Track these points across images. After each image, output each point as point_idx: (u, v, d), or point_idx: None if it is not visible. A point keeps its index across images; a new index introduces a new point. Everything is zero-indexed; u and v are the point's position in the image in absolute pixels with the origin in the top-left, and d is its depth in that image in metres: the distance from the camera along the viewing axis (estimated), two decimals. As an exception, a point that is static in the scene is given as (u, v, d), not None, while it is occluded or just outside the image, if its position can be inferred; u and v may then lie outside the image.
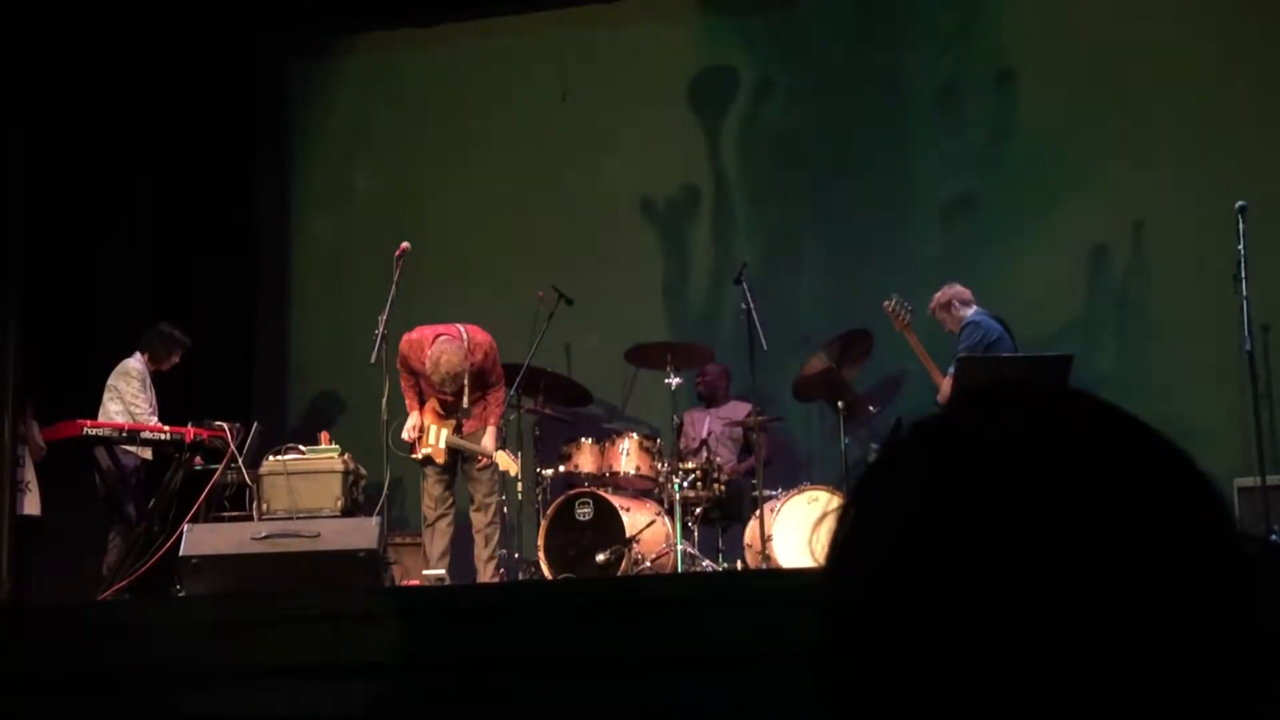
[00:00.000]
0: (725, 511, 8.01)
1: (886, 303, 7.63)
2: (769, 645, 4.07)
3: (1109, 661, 0.75)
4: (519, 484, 7.92)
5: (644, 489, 7.90)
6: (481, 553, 7.56)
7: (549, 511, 7.63)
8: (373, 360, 7.45)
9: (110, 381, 8.10)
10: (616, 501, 7.55)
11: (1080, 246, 8.60)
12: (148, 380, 8.17)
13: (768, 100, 9.38)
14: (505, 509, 7.84)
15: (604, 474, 7.79)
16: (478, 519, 7.60)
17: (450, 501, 7.64)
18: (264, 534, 6.90)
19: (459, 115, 9.75)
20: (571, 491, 7.70)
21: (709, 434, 8.22)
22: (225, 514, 7.71)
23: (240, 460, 7.71)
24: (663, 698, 4.31)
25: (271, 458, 7.64)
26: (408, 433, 7.61)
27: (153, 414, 8.07)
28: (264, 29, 9.87)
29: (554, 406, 8.28)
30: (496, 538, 7.62)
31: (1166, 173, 8.42)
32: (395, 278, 7.64)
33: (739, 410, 8.35)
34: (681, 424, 8.21)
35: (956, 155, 8.91)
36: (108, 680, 4.77)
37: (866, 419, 8.05)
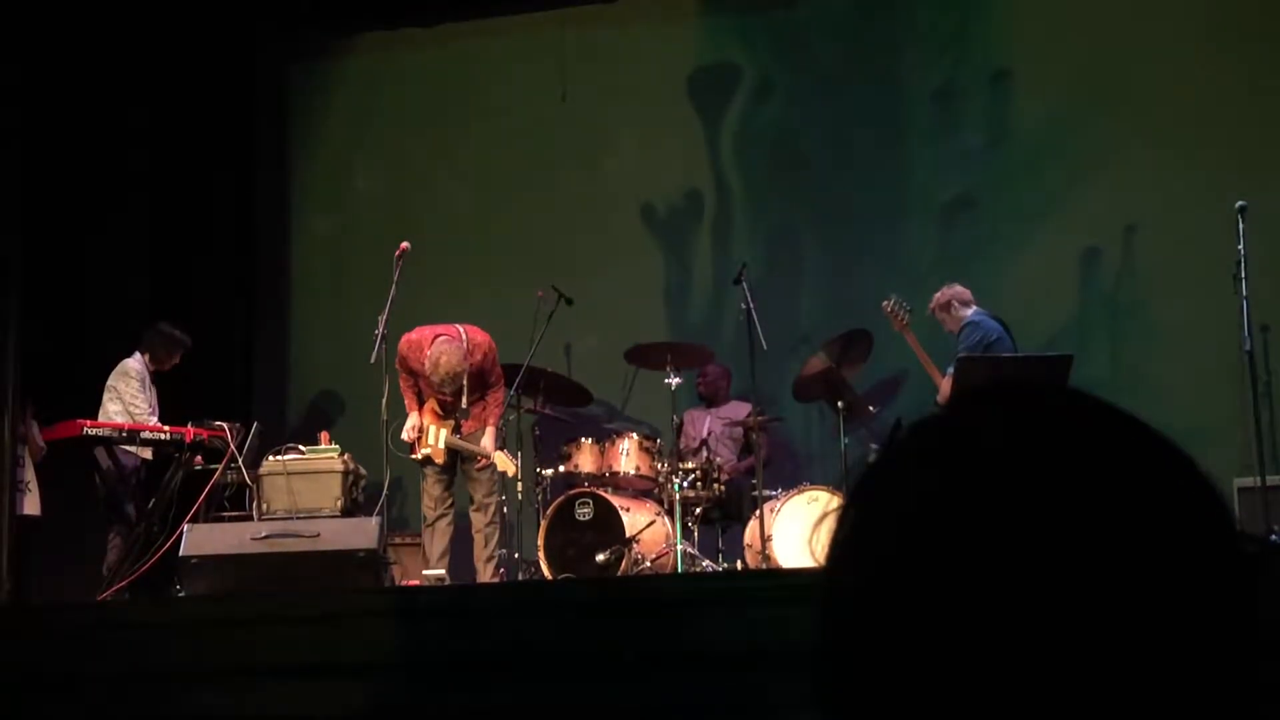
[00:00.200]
0: (725, 511, 8.01)
1: (885, 303, 7.63)
2: (769, 645, 4.07)
3: (1109, 662, 0.75)
4: (519, 484, 7.92)
5: (644, 489, 7.90)
6: (481, 553, 7.56)
7: (549, 511, 7.63)
8: (373, 360, 7.45)
9: (110, 382, 8.10)
10: (616, 501, 7.55)
11: (1080, 247, 8.60)
12: (147, 380, 8.17)
13: (767, 100, 9.38)
14: (505, 509, 7.84)
15: (604, 474, 7.79)
16: (477, 519, 7.60)
17: (450, 501, 7.64)
18: (264, 534, 6.91)
19: (459, 115, 9.75)
20: (571, 491, 7.70)
21: (709, 434, 8.22)
22: (225, 514, 7.71)
23: (240, 460, 7.71)
24: (663, 698, 4.31)
25: (271, 458, 7.64)
26: (407, 433, 7.61)
27: (152, 414, 8.07)
28: (264, 29, 9.87)
29: (554, 406, 8.28)
30: (496, 537, 7.62)
31: (1166, 173, 8.43)
32: (395, 277, 7.65)
33: (739, 410, 8.35)
34: (681, 424, 8.21)
35: (956, 155, 8.91)
36: (108, 680, 4.77)
37: (866, 419, 8.04)
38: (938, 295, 7.71)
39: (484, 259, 9.39)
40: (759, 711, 4.04)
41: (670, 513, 7.58)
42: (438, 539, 7.55)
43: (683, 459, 7.85)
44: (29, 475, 7.70)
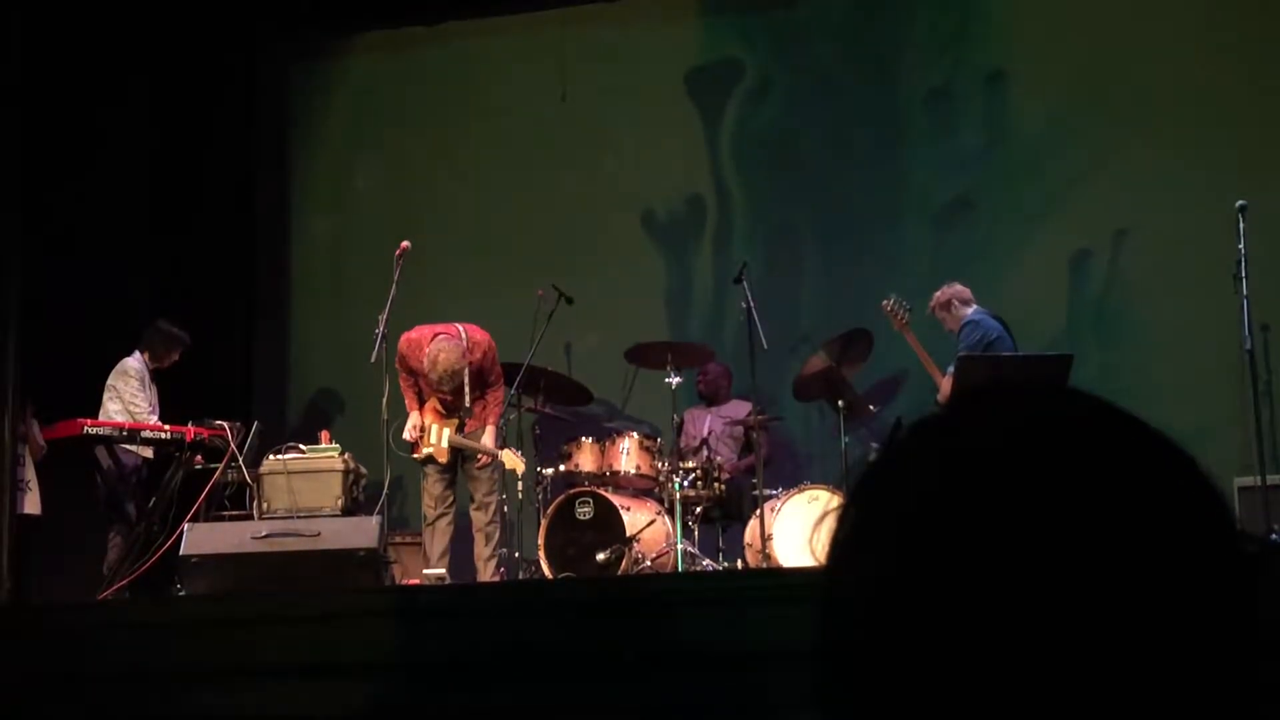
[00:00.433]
0: (725, 510, 8.01)
1: (885, 302, 7.63)
2: (769, 645, 4.07)
3: (1110, 662, 0.74)
4: (519, 483, 7.92)
5: (644, 488, 7.90)
6: (482, 551, 7.56)
7: (549, 510, 7.63)
8: (373, 359, 7.46)
9: (110, 381, 8.11)
10: (617, 500, 7.55)
11: (1079, 246, 8.60)
12: (147, 379, 8.17)
13: (767, 100, 9.38)
14: (505, 507, 7.84)
15: (604, 473, 7.79)
16: (478, 517, 7.60)
17: (450, 500, 7.64)
18: (264, 533, 6.91)
19: (459, 115, 9.75)
20: (572, 490, 7.70)
21: (709, 433, 8.22)
22: (225, 513, 7.71)
23: (240, 459, 7.71)
24: (663, 698, 4.31)
25: (272, 457, 7.64)
26: (409, 433, 7.60)
27: (152, 413, 8.07)
28: (265, 29, 9.87)
29: (554, 406, 8.28)
30: (497, 536, 7.62)
31: (1166, 173, 8.42)
32: (395, 277, 7.65)
33: (739, 409, 8.35)
34: (682, 423, 8.21)
35: (955, 155, 8.91)
36: (108, 680, 4.77)
37: (867, 418, 8.04)
38: (937, 294, 7.71)
39: (484, 258, 9.39)
40: (759, 711, 4.04)
41: (670, 512, 7.58)
42: (438, 538, 7.55)
43: (683, 458, 7.85)
44: (29, 474, 7.70)
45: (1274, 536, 6.15)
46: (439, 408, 7.64)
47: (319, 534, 6.85)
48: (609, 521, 7.50)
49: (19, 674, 4.84)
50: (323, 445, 7.82)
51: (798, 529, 7.30)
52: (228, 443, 7.77)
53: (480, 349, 7.56)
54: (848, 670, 0.80)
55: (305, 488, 7.52)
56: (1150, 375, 8.03)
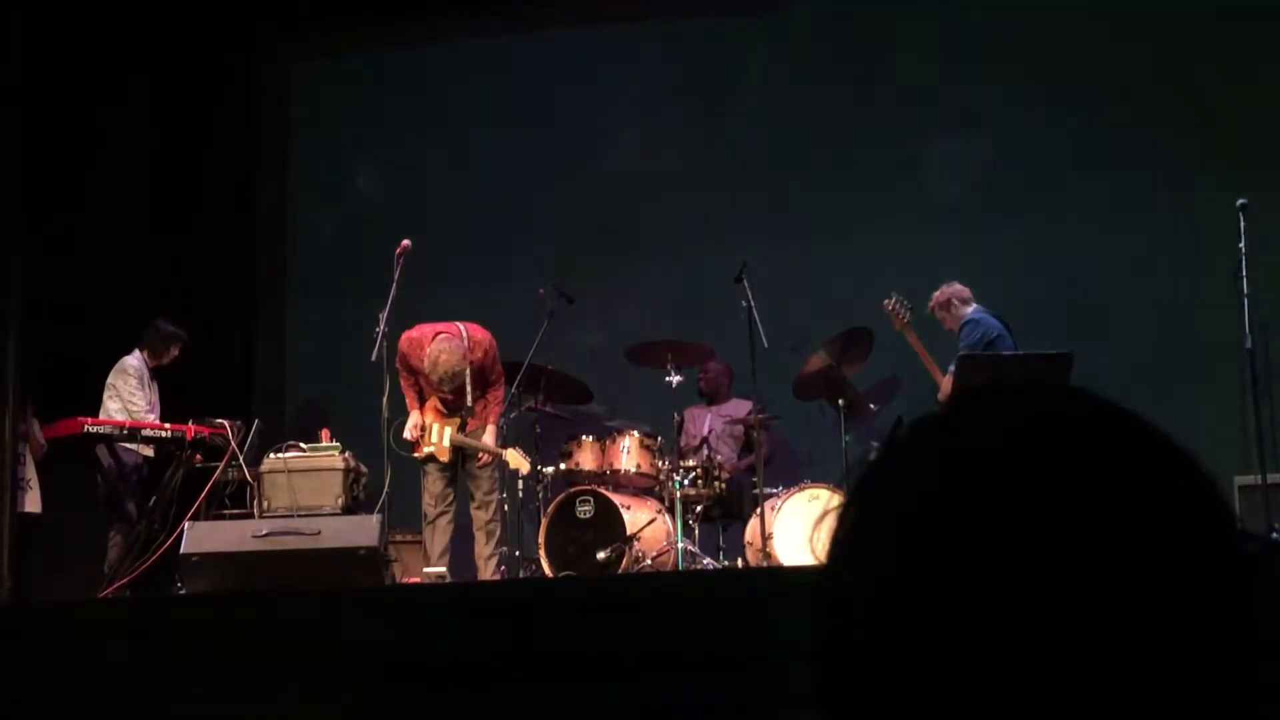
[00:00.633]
0: (726, 509, 8.01)
1: (886, 302, 7.63)
2: (769, 644, 4.07)
3: (1110, 661, 0.74)
4: (520, 482, 7.92)
5: (645, 487, 7.90)
6: (483, 550, 7.56)
7: (550, 509, 7.63)
8: (373, 358, 7.46)
9: (110, 379, 8.12)
10: (617, 499, 7.55)
11: (1080, 245, 8.59)
12: (145, 377, 8.18)
13: (767, 99, 9.38)
14: (505, 506, 7.84)
15: (605, 472, 7.79)
16: (478, 516, 7.60)
17: (451, 499, 7.64)
18: (265, 531, 6.91)
19: (459, 115, 9.75)
20: (572, 489, 7.70)
21: (709, 432, 8.22)
22: (226, 512, 7.72)
23: (241, 458, 7.72)
24: (663, 697, 4.31)
25: (272, 455, 7.65)
26: (410, 432, 7.60)
27: (149, 411, 8.06)
28: (265, 29, 9.87)
29: (555, 404, 8.28)
30: (498, 535, 7.62)
31: (1166, 171, 8.42)
32: (396, 275, 7.64)
33: (740, 408, 8.35)
34: (682, 422, 8.22)
35: (955, 155, 8.90)
36: (108, 679, 4.77)
37: (867, 417, 8.05)
38: (937, 294, 7.72)
39: (484, 257, 9.38)
40: (760, 710, 4.04)
41: (671, 510, 7.58)
42: (439, 536, 7.55)
43: (684, 457, 7.85)
44: (30, 473, 7.70)
45: (1274, 535, 6.15)
46: (440, 407, 7.64)
47: (319, 532, 6.85)
48: (609, 520, 7.50)
49: (19, 673, 4.83)
50: (323, 444, 7.82)
51: (798, 528, 7.30)
52: (228, 441, 7.77)
53: (481, 348, 7.56)
54: (848, 670, 0.80)
55: (306, 486, 7.52)
56: (1151, 373, 8.02)
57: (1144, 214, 8.46)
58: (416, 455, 7.64)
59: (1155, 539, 0.77)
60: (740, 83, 9.41)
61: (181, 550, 6.80)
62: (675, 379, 7.95)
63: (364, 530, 6.85)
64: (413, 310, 7.81)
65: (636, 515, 7.53)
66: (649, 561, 7.42)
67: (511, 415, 7.97)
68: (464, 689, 4.49)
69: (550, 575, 7.39)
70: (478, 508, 7.61)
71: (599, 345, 8.87)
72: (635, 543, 7.40)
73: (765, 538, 7.27)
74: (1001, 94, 8.90)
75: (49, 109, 8.40)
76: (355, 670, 4.58)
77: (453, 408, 7.61)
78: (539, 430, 8.22)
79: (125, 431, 7.84)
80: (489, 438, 7.62)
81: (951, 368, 7.29)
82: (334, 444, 7.80)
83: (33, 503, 7.70)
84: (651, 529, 7.51)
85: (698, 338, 8.47)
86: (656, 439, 7.93)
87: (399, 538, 7.94)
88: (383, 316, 7.50)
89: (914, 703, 0.77)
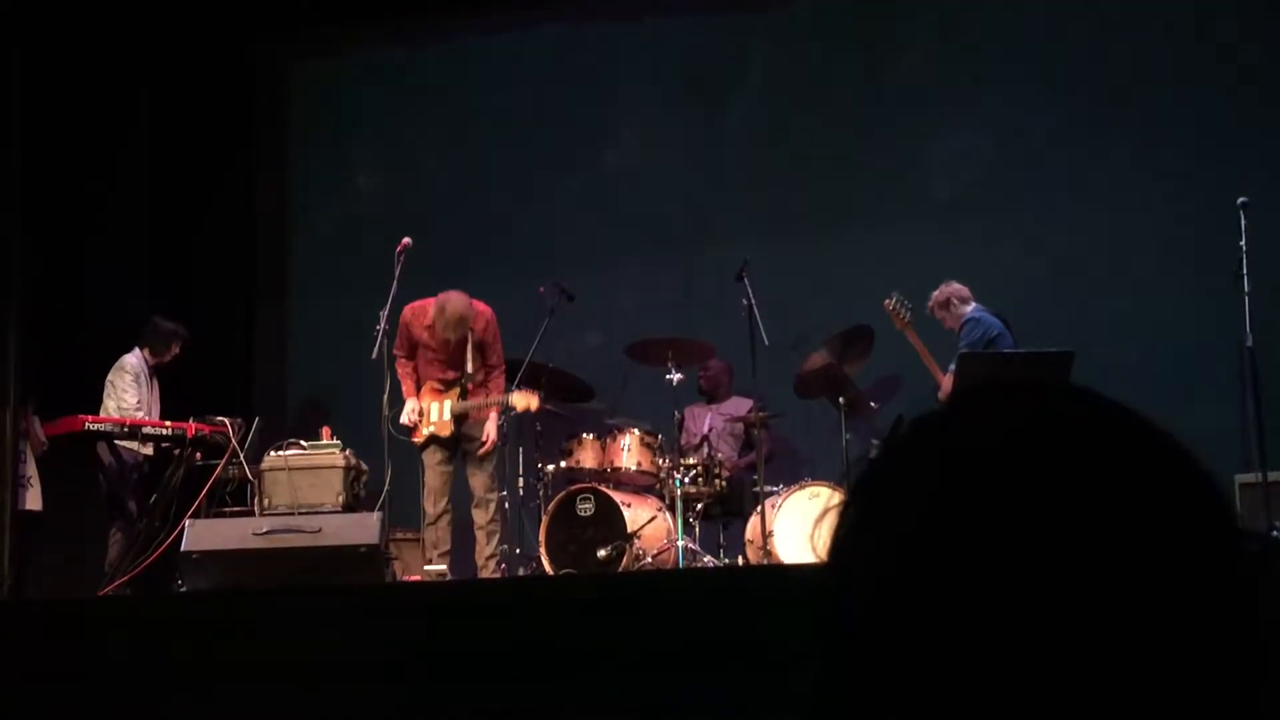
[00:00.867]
0: (726, 507, 8.02)
1: (887, 301, 7.63)
2: (770, 642, 4.07)
3: (1110, 661, 0.74)
4: (520, 480, 7.92)
5: (645, 485, 7.90)
6: (483, 551, 7.56)
7: (550, 507, 7.63)
8: (374, 356, 7.46)
9: (109, 377, 8.12)
10: (618, 497, 7.55)
11: (1080, 243, 8.59)
12: (143, 375, 8.17)
13: (768, 97, 9.37)
14: (506, 504, 7.84)
15: (605, 470, 7.79)
16: (479, 516, 7.59)
17: (451, 496, 7.65)
18: (265, 529, 6.91)
19: (459, 114, 9.74)
20: (573, 487, 7.70)
21: (710, 430, 8.22)
22: (226, 509, 7.72)
23: (242, 455, 7.72)
24: (663, 696, 4.31)
25: (273, 453, 7.65)
26: (408, 416, 7.58)
27: (139, 408, 8.02)
28: (264, 29, 9.86)
29: (555, 402, 8.28)
30: (498, 535, 7.61)
31: (1167, 170, 8.42)
32: (396, 273, 7.65)
33: (740, 406, 8.36)
34: (683, 420, 8.22)
35: (956, 154, 8.90)
36: (108, 677, 4.77)
37: (868, 415, 8.05)
38: (936, 293, 7.72)
39: (484, 256, 9.38)
40: (760, 709, 4.04)
41: (671, 508, 7.58)
42: (439, 534, 7.55)
43: (684, 455, 7.85)
44: (31, 470, 7.71)
45: (1275, 533, 6.15)
46: (437, 385, 7.65)
47: (320, 530, 6.86)
48: (610, 518, 7.50)
49: (19, 670, 4.84)
50: (324, 441, 7.82)
51: (799, 526, 7.30)
52: (229, 439, 7.77)
53: (484, 318, 7.61)
54: (848, 668, 0.80)
55: (306, 484, 7.52)
56: (1151, 372, 8.02)
57: (1144, 212, 8.46)
58: (416, 440, 7.63)
59: (1156, 537, 0.77)
60: (741, 80, 9.41)
61: (182, 548, 6.80)
62: (676, 377, 7.95)
63: (364, 528, 6.85)
64: (413, 308, 7.81)
65: (637, 513, 7.54)
66: (649, 559, 7.42)
67: (512, 413, 7.97)
68: (464, 687, 4.49)
69: (551, 573, 7.39)
70: (477, 506, 7.61)
71: (599, 343, 8.87)
72: (636, 541, 7.41)
73: (766, 536, 7.27)
74: (1001, 94, 8.90)
75: (49, 109, 8.39)
76: (355, 668, 4.58)
77: (450, 383, 7.61)
78: (539, 428, 8.22)
79: (126, 429, 7.84)
80: (490, 425, 7.62)
81: (952, 366, 7.29)
82: (334, 442, 7.79)
83: (33, 500, 7.70)
84: (652, 527, 7.51)
85: (698, 336, 8.47)
86: (657, 437, 7.93)
87: (399, 535, 7.94)
88: (383, 314, 7.50)
89: (914, 702, 0.77)
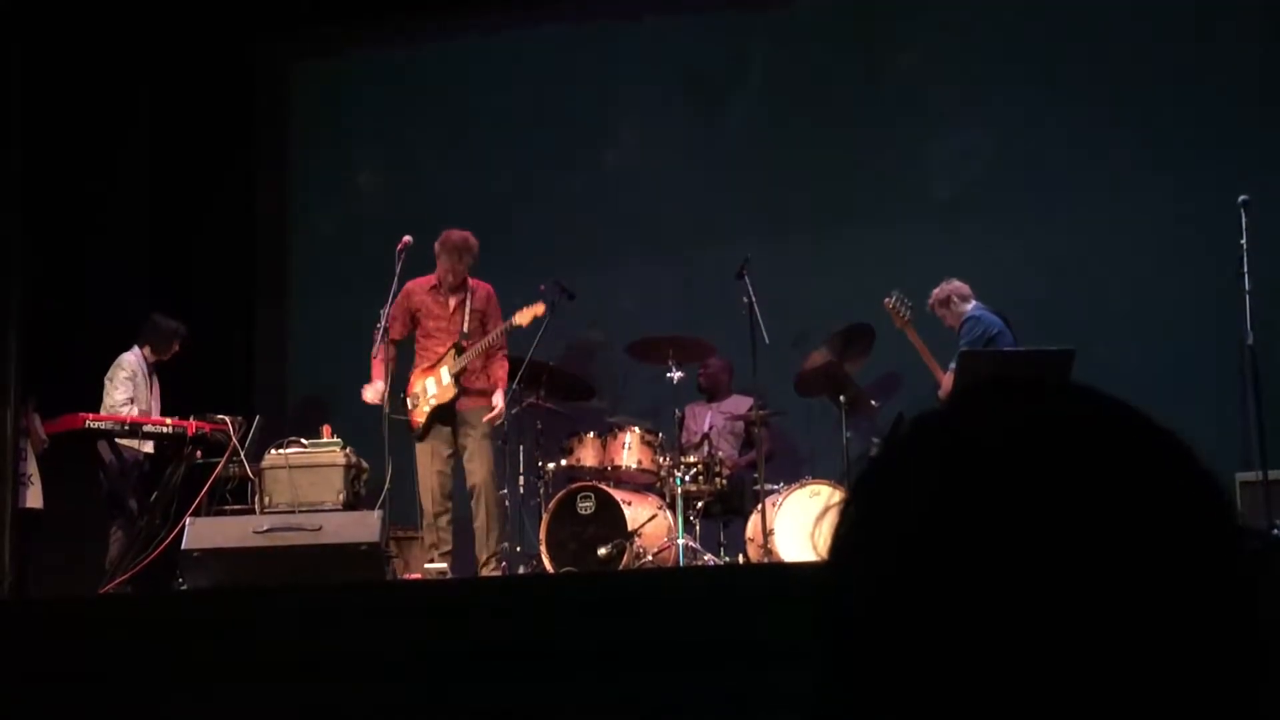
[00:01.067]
0: (727, 505, 8.01)
1: (887, 300, 7.63)
2: (770, 640, 4.07)
3: (1111, 660, 0.74)
4: (521, 478, 7.92)
5: (646, 483, 7.91)
6: (484, 551, 7.56)
7: (551, 505, 7.63)
8: (375, 354, 7.45)
9: (108, 375, 8.12)
10: (618, 495, 7.55)
11: (1081, 242, 8.59)
12: (140, 373, 8.16)
13: (768, 96, 9.37)
14: (506, 502, 7.84)
15: (606, 468, 7.79)
16: (479, 515, 7.59)
17: (451, 495, 7.65)
18: (265, 527, 6.91)
19: (459, 114, 9.74)
20: (573, 485, 7.71)
21: (710, 428, 8.22)
22: (227, 507, 7.72)
23: (242, 454, 7.72)
24: (663, 694, 4.31)
25: (273, 451, 7.65)
26: (373, 395, 7.58)
27: (128, 405, 8.02)
28: (264, 28, 9.86)
29: (556, 400, 8.28)
30: (498, 535, 7.61)
31: (1167, 169, 8.42)
32: (397, 271, 7.65)
33: (741, 404, 8.36)
34: (683, 418, 8.21)
35: (956, 153, 8.90)
36: (108, 675, 4.77)
37: (869, 413, 8.04)
38: (936, 291, 7.72)
39: (485, 255, 9.35)
40: (760, 707, 4.04)
41: (672, 507, 7.58)
42: (439, 533, 7.55)
43: (684, 453, 7.85)
44: (31, 468, 7.71)
45: (1275, 532, 6.15)
46: (431, 361, 7.67)
47: (320, 528, 6.86)
48: (610, 516, 7.50)
49: (20, 668, 4.84)
50: (324, 439, 7.82)
51: (799, 524, 7.30)
52: (229, 437, 7.77)
53: (484, 290, 7.78)
54: (848, 667, 0.80)
55: (307, 482, 7.52)
56: (1151, 371, 8.02)
57: (1144, 211, 8.46)
58: (415, 423, 7.63)
59: (1156, 535, 0.77)
60: (741, 80, 9.41)
61: (183, 546, 6.80)
62: (676, 375, 7.95)
63: (365, 526, 6.85)
64: (414, 307, 7.82)
65: (637, 511, 7.54)
66: (650, 558, 7.42)
67: (513, 411, 7.97)
68: (464, 685, 4.49)
69: (551, 571, 7.40)
70: (476, 504, 7.61)
71: (600, 341, 8.87)
72: (636, 539, 7.41)
73: (766, 534, 7.27)
74: (1001, 94, 8.90)
75: (49, 109, 8.39)
76: (355, 667, 4.58)
77: (445, 355, 7.63)
78: (540, 426, 8.22)
79: (126, 427, 7.84)
80: (498, 398, 7.63)
81: (952, 365, 7.29)
82: (335, 440, 7.79)
83: (34, 498, 7.70)
84: (652, 525, 7.51)
85: (699, 334, 8.47)
86: (657, 435, 7.93)
87: (400, 534, 7.94)
88: (384, 313, 7.51)
89: (914, 701, 0.77)
